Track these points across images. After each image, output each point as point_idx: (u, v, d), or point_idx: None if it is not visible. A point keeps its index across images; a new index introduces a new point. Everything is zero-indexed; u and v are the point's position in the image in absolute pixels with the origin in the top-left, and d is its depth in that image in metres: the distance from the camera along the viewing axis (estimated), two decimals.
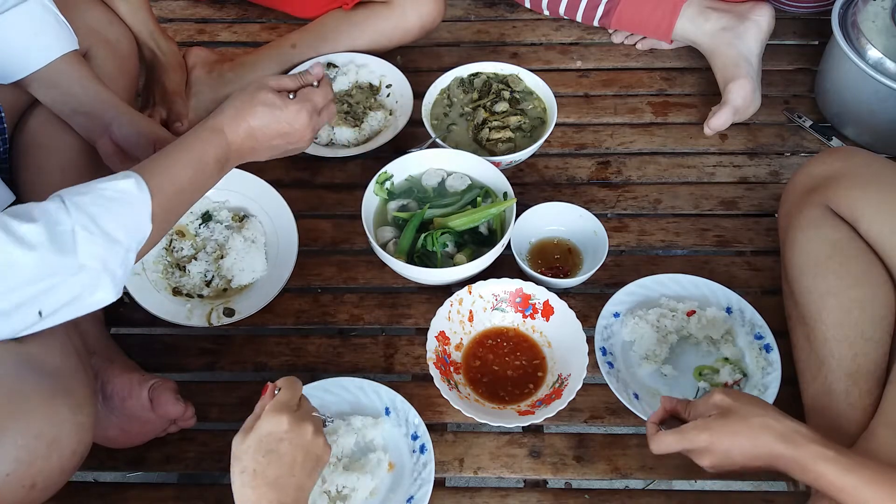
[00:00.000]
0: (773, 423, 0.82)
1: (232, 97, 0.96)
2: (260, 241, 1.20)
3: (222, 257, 1.19)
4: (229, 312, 1.16)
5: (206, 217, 1.22)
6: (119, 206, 0.82)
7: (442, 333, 1.10)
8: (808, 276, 1.01)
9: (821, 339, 0.98)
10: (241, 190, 1.23)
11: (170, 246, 1.20)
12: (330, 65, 1.45)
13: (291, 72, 1.45)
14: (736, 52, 1.40)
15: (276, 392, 0.86)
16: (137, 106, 1.37)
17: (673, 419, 0.92)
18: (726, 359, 1.09)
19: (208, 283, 1.18)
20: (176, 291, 1.17)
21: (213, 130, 0.93)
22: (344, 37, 1.46)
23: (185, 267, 1.18)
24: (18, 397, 0.75)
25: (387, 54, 1.48)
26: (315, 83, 1.02)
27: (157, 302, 1.14)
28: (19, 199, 1.09)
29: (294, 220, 1.21)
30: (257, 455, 0.80)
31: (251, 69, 1.45)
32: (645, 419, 1.01)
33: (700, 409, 0.88)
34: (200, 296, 1.18)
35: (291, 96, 0.98)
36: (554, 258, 1.23)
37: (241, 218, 1.23)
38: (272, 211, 1.23)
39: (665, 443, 0.87)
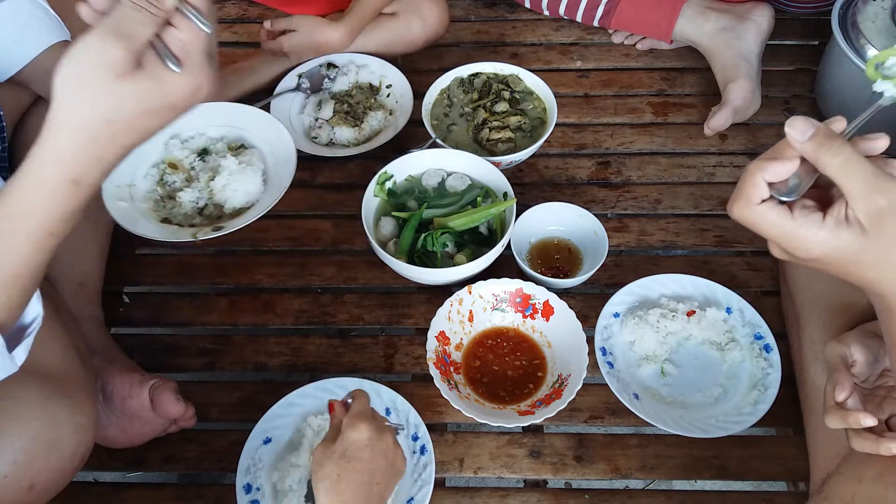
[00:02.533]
0: None
1: (64, 107, 0.60)
2: (257, 166, 1.16)
3: (213, 178, 1.14)
4: (217, 228, 1.12)
5: (204, 152, 1.18)
6: None
7: (442, 333, 1.10)
8: (804, 276, 1.01)
9: (809, 339, 0.98)
10: (240, 124, 1.20)
11: (161, 180, 1.15)
12: (330, 65, 1.45)
13: (292, 72, 1.44)
14: (736, 52, 1.40)
15: (348, 403, 0.88)
16: None
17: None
18: None
19: (200, 212, 1.14)
20: (165, 221, 1.12)
21: (55, 189, 0.60)
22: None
23: (175, 196, 1.13)
24: (15, 399, 0.75)
25: None
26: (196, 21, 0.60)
27: (142, 227, 1.10)
28: None
29: (294, 151, 1.17)
30: (341, 462, 0.80)
31: (253, 72, 1.45)
32: (645, 419, 1.01)
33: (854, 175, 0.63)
34: (192, 225, 1.14)
35: (174, 67, 0.60)
36: (554, 258, 1.23)
37: (238, 147, 1.20)
38: (272, 141, 1.19)
39: (765, 218, 0.66)
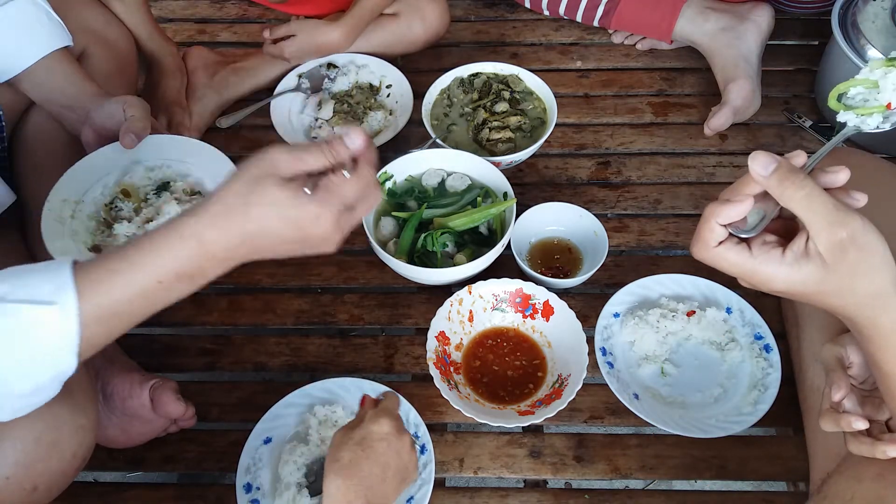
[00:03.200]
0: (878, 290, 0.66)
1: (226, 185, 0.69)
2: None
3: (150, 221, 1.08)
4: None
5: (163, 187, 1.12)
6: (25, 343, 0.66)
7: (442, 333, 1.10)
8: None
9: (808, 340, 0.98)
10: (206, 166, 1.13)
11: (111, 204, 1.10)
12: (330, 65, 1.45)
13: (292, 73, 1.45)
14: (736, 52, 1.40)
15: (380, 399, 0.92)
16: None
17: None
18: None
19: None
20: (95, 248, 1.06)
21: (184, 238, 0.68)
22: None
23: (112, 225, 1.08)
24: None
25: None
26: (346, 173, 0.71)
27: (61, 247, 1.02)
28: (20, 199, 1.10)
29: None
30: (357, 448, 0.82)
31: (253, 73, 1.45)
32: (645, 419, 1.01)
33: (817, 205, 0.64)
34: None
35: (308, 191, 0.70)
36: (554, 258, 1.23)
37: (194, 193, 1.14)
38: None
39: (725, 258, 0.67)
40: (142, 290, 0.69)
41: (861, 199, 0.65)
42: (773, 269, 0.65)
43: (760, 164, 0.64)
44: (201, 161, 1.14)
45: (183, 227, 0.69)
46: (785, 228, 0.68)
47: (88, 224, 1.08)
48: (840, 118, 0.75)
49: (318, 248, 0.73)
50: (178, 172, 1.14)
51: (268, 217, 0.68)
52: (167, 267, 0.69)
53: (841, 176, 0.65)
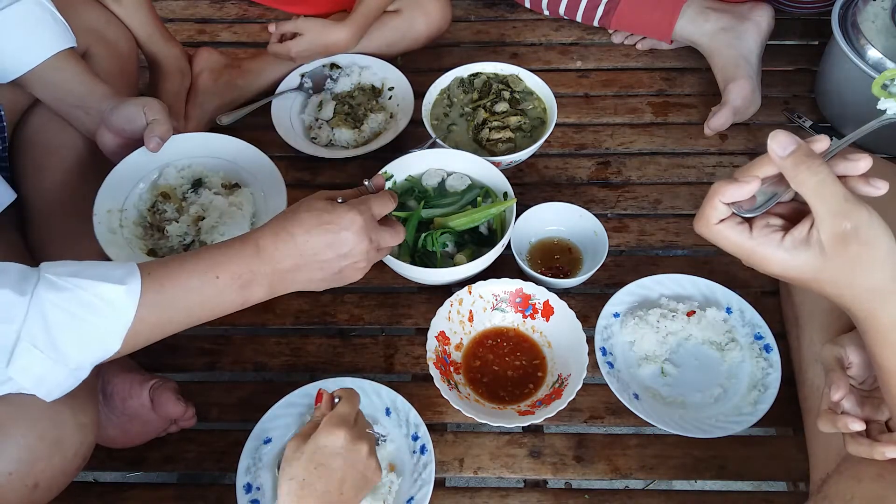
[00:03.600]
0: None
1: (285, 211, 0.85)
2: (247, 210, 1.13)
3: (202, 219, 1.11)
4: None
5: (198, 184, 1.15)
6: (89, 317, 0.72)
7: (442, 333, 1.10)
8: None
9: (808, 340, 0.98)
10: (238, 160, 1.17)
11: (153, 208, 1.13)
12: (333, 65, 1.45)
13: (295, 72, 1.45)
14: (736, 52, 1.40)
15: (335, 401, 0.85)
16: None
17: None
18: None
19: (186, 248, 1.11)
20: (151, 252, 1.09)
21: (244, 242, 0.80)
22: None
23: (164, 228, 1.11)
24: (20, 399, 0.76)
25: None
26: (367, 183, 0.91)
27: (126, 257, 1.06)
28: (20, 198, 1.10)
29: (286, 199, 1.14)
30: (309, 465, 0.78)
31: (259, 75, 1.45)
32: (645, 419, 1.01)
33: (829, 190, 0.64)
34: None
35: (341, 200, 0.85)
36: (554, 258, 1.23)
37: (232, 186, 1.16)
38: (268, 187, 1.16)
39: (727, 236, 0.68)
40: (199, 283, 0.77)
41: (882, 187, 0.64)
42: (770, 252, 0.65)
43: (779, 144, 0.63)
44: (229, 153, 1.17)
45: (245, 235, 0.82)
46: (797, 213, 0.68)
47: (136, 230, 1.11)
48: (881, 105, 0.73)
49: (351, 258, 0.84)
50: (208, 168, 1.17)
51: (309, 220, 0.81)
52: (226, 264, 0.78)
53: (862, 164, 0.65)
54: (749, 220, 0.67)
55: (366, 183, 0.89)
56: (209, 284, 0.77)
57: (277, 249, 0.80)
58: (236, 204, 1.12)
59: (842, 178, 0.64)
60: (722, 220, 0.67)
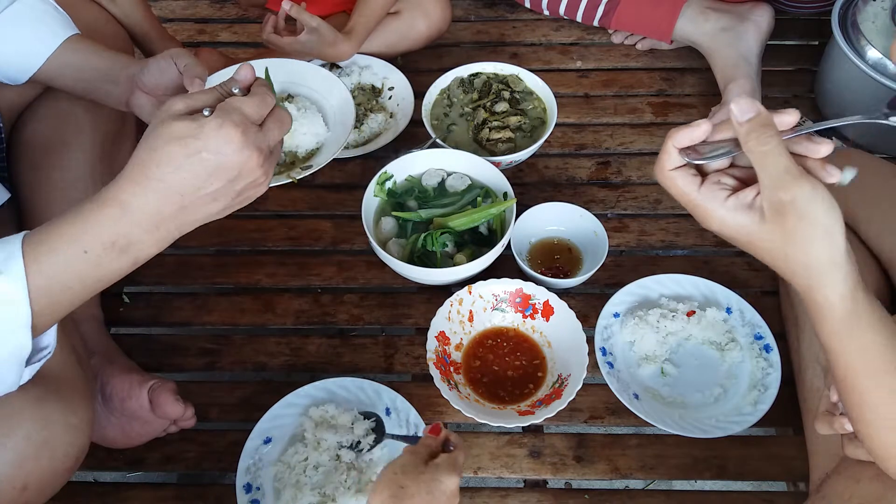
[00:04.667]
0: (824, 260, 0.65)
1: (136, 147, 0.68)
2: (313, 108, 1.20)
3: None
4: (306, 167, 1.12)
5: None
6: None
7: (442, 333, 1.10)
8: None
9: (808, 340, 0.98)
10: (286, 77, 1.23)
11: None
12: (333, 65, 1.45)
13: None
14: (736, 52, 1.40)
15: (450, 448, 0.85)
16: None
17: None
18: None
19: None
20: None
21: (102, 203, 0.66)
22: None
23: None
24: (7, 400, 0.75)
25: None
26: (238, 90, 0.72)
27: None
28: (17, 197, 1.10)
29: (345, 88, 1.20)
30: (423, 491, 0.78)
31: None
32: (645, 419, 1.01)
33: (771, 163, 0.65)
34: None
35: (207, 112, 0.68)
36: (554, 258, 1.23)
37: (287, 97, 1.23)
38: (318, 85, 1.22)
39: (681, 185, 0.69)
40: (72, 259, 0.66)
41: (833, 175, 0.64)
42: (712, 208, 0.66)
43: (739, 109, 0.65)
44: (285, 73, 1.21)
45: (104, 195, 0.66)
46: (754, 179, 0.68)
47: None
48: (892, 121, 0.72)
49: (243, 175, 0.69)
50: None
51: (174, 153, 0.65)
52: (91, 234, 0.66)
53: (823, 149, 0.65)
54: (703, 175, 0.68)
55: (234, 91, 0.71)
56: (79, 260, 0.66)
57: (147, 201, 0.66)
58: (302, 106, 1.18)
59: (801, 158, 0.65)
60: (676, 168, 0.68)
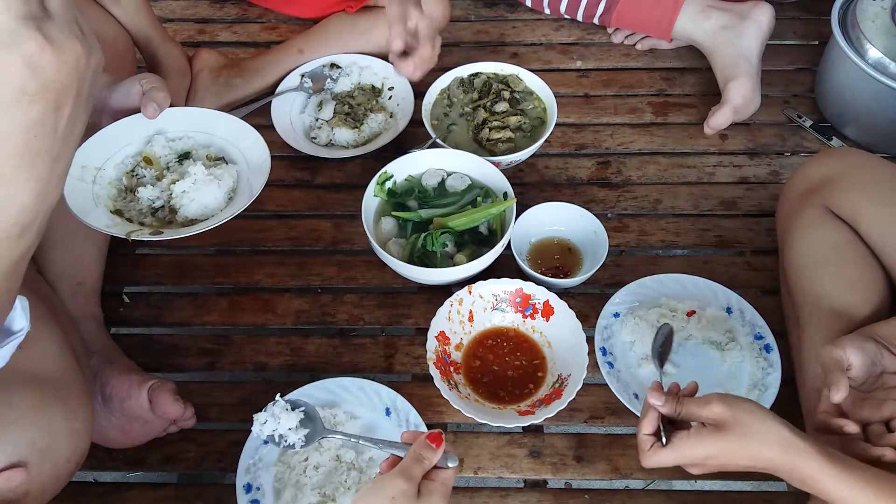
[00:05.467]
0: (772, 437, 0.77)
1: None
2: (225, 184, 1.07)
3: (174, 182, 1.07)
4: (156, 232, 1.02)
5: (185, 156, 1.12)
6: None
7: (442, 333, 1.10)
8: (805, 278, 1.01)
9: (808, 341, 0.98)
10: (230, 138, 1.13)
11: (132, 171, 1.09)
12: (333, 65, 1.45)
13: (295, 72, 1.44)
14: (736, 51, 1.40)
15: (449, 465, 0.81)
16: None
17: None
18: None
19: (154, 212, 1.08)
20: (117, 212, 1.05)
21: None
22: (351, 43, 1.46)
23: (136, 190, 1.07)
24: (12, 406, 0.75)
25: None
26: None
27: (85, 210, 1.01)
28: None
29: (264, 180, 1.07)
30: (411, 498, 0.76)
31: (258, 75, 1.45)
32: None
33: (694, 412, 0.82)
34: (142, 224, 1.05)
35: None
36: (554, 258, 1.23)
37: (217, 159, 1.12)
38: (255, 166, 1.10)
39: (659, 460, 0.82)
40: None
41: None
42: (689, 449, 0.81)
43: (654, 399, 0.84)
44: (222, 131, 1.14)
45: None
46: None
47: (109, 190, 1.07)
48: None
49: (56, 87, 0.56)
50: (199, 143, 1.13)
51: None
52: None
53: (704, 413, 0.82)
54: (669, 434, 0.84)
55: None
56: None
57: None
58: (216, 175, 1.08)
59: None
60: (651, 447, 0.84)
